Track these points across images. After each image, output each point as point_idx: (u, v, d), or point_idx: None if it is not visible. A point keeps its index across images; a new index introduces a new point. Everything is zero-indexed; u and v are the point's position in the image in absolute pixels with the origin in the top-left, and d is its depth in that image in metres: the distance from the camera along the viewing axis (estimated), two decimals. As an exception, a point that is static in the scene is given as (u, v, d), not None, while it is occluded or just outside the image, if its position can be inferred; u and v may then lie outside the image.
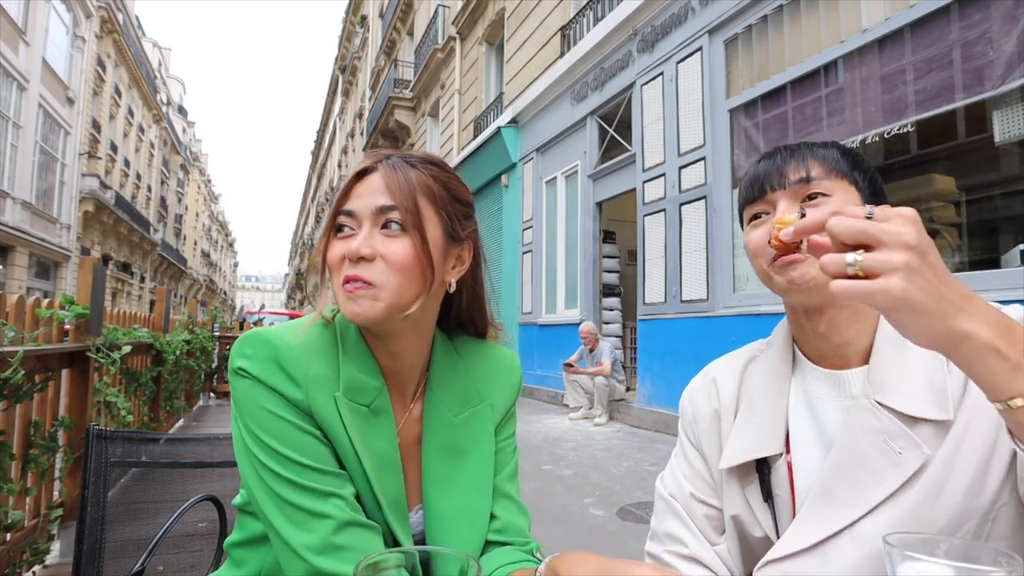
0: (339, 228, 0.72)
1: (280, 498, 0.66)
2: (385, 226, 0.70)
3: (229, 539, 0.79)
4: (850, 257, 0.45)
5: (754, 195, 0.76)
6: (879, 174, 0.76)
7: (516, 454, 0.87)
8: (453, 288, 0.77)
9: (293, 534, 0.65)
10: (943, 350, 0.46)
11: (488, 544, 0.79)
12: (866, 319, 0.72)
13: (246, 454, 0.69)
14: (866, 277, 0.44)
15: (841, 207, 0.49)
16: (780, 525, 0.72)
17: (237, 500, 0.78)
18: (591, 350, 6.47)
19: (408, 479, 0.77)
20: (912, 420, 0.65)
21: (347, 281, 0.69)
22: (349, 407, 0.71)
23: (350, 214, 0.71)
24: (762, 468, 0.74)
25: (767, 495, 0.74)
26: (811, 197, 0.72)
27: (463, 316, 0.85)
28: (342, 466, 0.71)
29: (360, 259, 0.68)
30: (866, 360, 0.71)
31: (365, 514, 0.70)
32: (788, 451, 0.74)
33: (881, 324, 0.71)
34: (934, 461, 0.63)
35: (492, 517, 0.80)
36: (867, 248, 0.45)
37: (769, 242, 0.63)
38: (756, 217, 0.76)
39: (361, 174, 0.73)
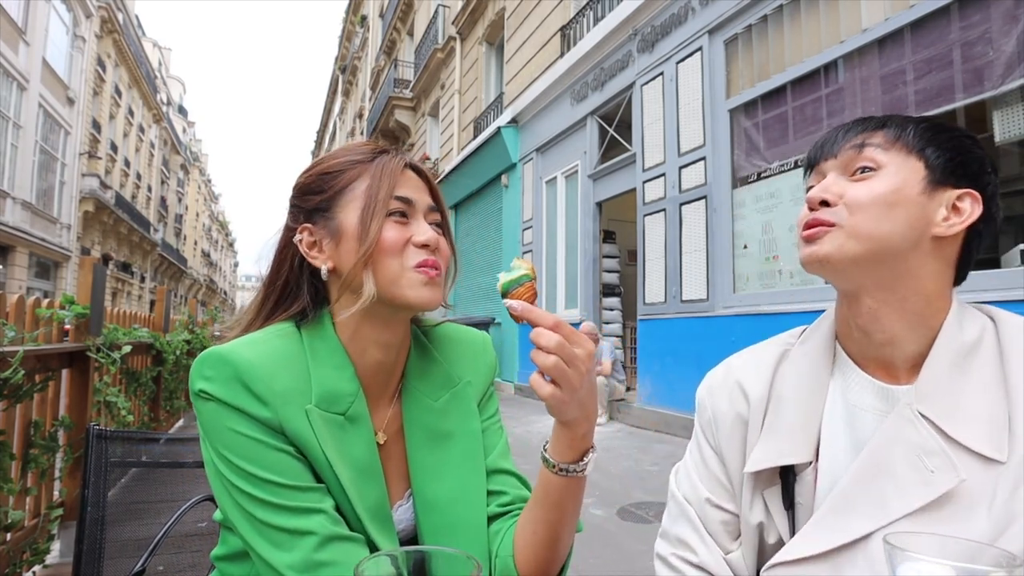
0: (392, 212, 0.73)
1: (258, 520, 0.64)
2: (431, 223, 0.76)
3: (214, 552, 0.78)
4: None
5: (807, 166, 0.73)
6: (983, 160, 0.67)
7: (504, 432, 0.87)
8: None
9: (274, 555, 0.63)
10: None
11: (497, 517, 0.79)
12: (918, 318, 0.65)
13: (218, 477, 0.67)
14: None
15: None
16: (797, 533, 0.68)
17: (217, 515, 0.76)
18: (591, 350, 6.46)
19: (392, 473, 0.76)
20: (956, 444, 0.60)
21: (426, 266, 0.72)
22: (323, 418, 0.69)
23: (409, 202, 0.73)
24: (787, 475, 0.70)
25: (789, 503, 0.70)
26: (862, 170, 0.66)
27: None
28: (319, 479, 0.69)
29: (433, 248, 0.73)
30: (917, 369, 0.66)
31: (347, 524, 0.68)
32: (817, 458, 0.69)
33: (944, 333, 0.65)
34: (978, 498, 0.58)
35: (498, 494, 0.80)
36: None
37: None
38: (809, 190, 0.71)
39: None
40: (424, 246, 0.72)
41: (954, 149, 0.66)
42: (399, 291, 0.71)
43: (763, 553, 0.72)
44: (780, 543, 0.70)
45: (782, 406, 0.72)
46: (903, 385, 0.66)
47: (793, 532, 0.69)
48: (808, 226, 0.68)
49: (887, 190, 0.65)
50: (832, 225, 0.66)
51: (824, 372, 0.72)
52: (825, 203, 0.67)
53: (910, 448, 0.61)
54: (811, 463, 0.69)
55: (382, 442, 0.76)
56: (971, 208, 0.65)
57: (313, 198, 0.75)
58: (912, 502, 0.60)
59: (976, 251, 0.68)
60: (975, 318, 0.67)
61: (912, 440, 0.61)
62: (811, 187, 0.71)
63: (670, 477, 0.83)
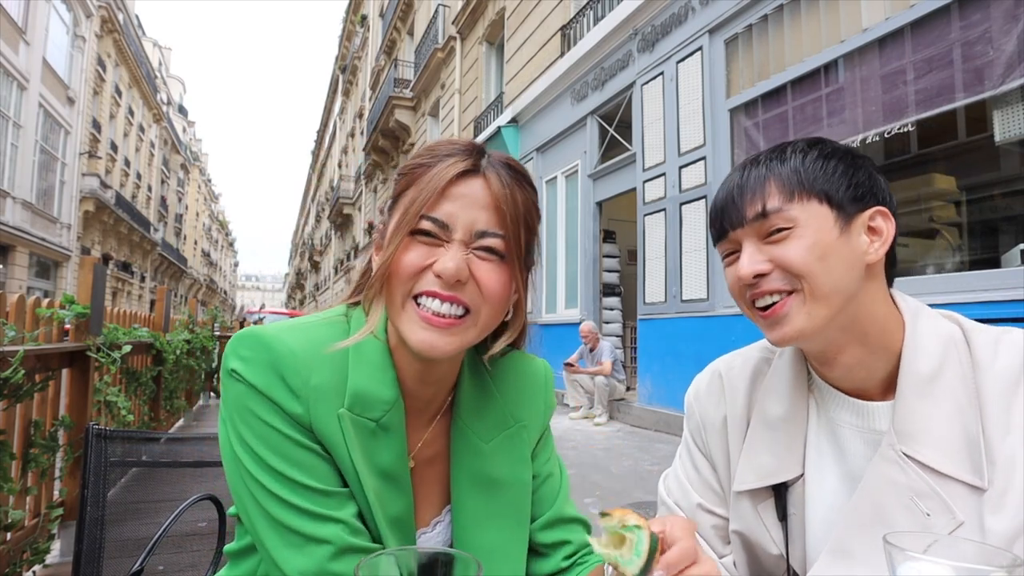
0: (419, 232, 0.63)
1: (273, 518, 0.60)
2: (480, 248, 0.63)
3: (229, 546, 0.76)
4: None
5: (716, 235, 0.70)
6: (864, 166, 0.67)
7: (564, 472, 0.81)
8: (510, 316, 0.70)
9: (287, 557, 0.60)
10: None
11: (564, 571, 0.76)
12: (880, 348, 0.66)
13: (235, 464, 0.62)
14: None
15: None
16: (792, 544, 0.70)
17: (233, 510, 0.73)
18: (591, 350, 6.47)
19: (422, 499, 0.72)
20: (943, 477, 0.60)
21: (433, 297, 0.61)
22: (354, 422, 0.64)
23: (443, 226, 0.62)
24: (779, 488, 0.71)
25: (782, 514, 0.70)
26: (776, 231, 0.64)
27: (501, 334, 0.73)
28: (344, 481, 0.65)
29: (451, 281, 0.61)
30: (890, 390, 0.66)
31: (369, 532, 0.65)
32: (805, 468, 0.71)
33: (906, 358, 0.65)
34: (967, 529, 0.58)
35: (562, 544, 0.76)
36: None
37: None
38: (729, 254, 0.69)
39: (461, 174, 0.63)
40: (439, 276, 0.61)
41: (844, 174, 0.65)
42: (399, 324, 0.64)
43: (759, 562, 0.73)
44: (780, 555, 0.71)
45: (765, 424, 0.73)
46: (876, 402, 0.67)
47: (787, 543, 0.70)
48: (763, 310, 0.66)
49: (811, 244, 0.63)
50: (788, 292, 0.64)
51: (801, 389, 0.73)
52: (759, 274, 0.65)
53: (901, 491, 0.61)
54: (801, 475, 0.70)
55: (410, 467, 0.71)
56: (886, 225, 0.66)
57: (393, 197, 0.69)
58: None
59: (895, 251, 0.69)
60: (935, 331, 0.66)
61: (901, 482, 0.61)
62: (729, 254, 0.69)
63: (659, 483, 0.84)
